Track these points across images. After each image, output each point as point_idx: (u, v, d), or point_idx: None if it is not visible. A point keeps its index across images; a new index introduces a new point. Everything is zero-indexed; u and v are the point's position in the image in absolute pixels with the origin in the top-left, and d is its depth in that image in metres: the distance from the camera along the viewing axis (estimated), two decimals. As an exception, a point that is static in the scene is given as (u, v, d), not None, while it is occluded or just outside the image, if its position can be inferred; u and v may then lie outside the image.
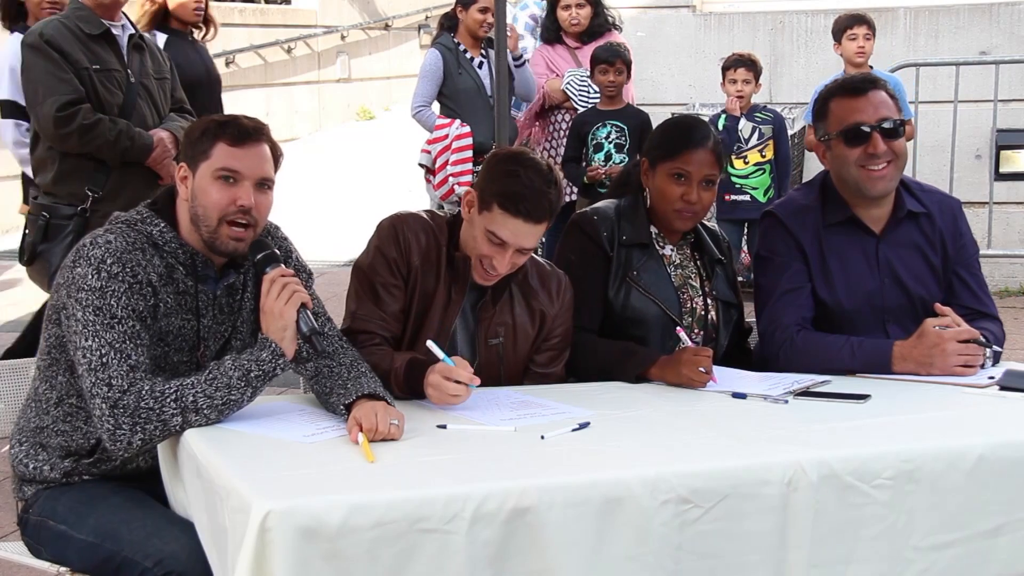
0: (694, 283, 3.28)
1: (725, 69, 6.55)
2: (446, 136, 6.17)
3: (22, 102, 4.73)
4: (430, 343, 2.73)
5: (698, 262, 3.32)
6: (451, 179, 6.14)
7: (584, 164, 6.15)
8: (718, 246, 3.35)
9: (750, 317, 3.41)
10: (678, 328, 3.11)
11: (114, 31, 4.35)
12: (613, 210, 3.26)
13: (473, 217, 2.86)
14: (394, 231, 2.93)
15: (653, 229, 3.26)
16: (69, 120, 4.17)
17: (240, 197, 2.57)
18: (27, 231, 4.36)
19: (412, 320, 2.92)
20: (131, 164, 4.32)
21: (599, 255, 3.20)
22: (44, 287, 4.34)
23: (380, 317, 2.89)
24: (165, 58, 4.63)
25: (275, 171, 2.67)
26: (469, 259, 2.90)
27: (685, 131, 3.19)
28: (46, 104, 4.19)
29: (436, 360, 2.69)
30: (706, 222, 3.36)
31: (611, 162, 6.04)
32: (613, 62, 6.05)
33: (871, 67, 6.34)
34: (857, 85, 3.17)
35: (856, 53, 6.30)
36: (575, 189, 6.18)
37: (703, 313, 3.25)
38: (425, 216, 2.99)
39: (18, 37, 4.94)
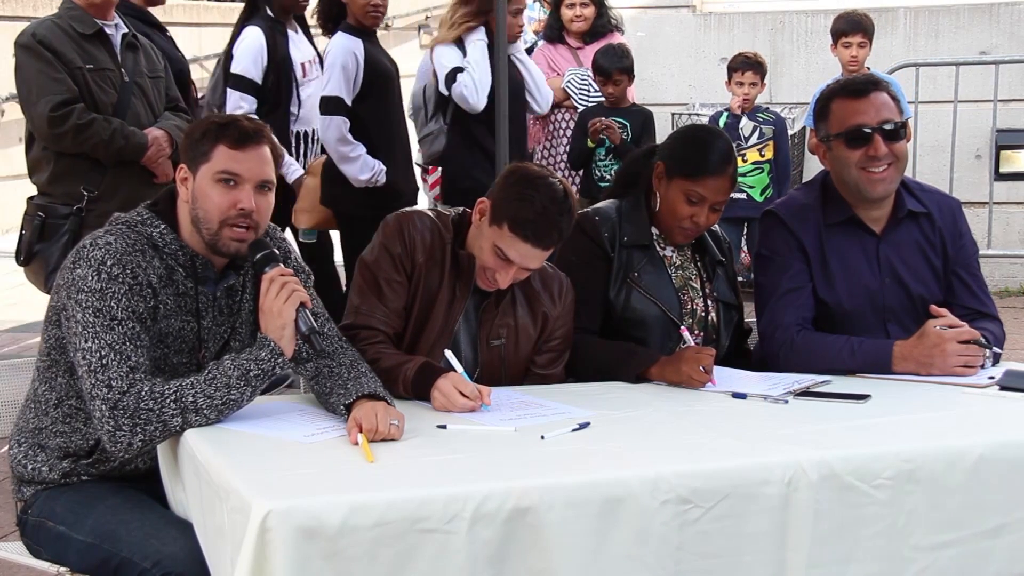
0: (695, 284, 3.27)
1: (732, 70, 6.52)
2: None
3: (348, 100, 4.88)
4: (448, 354, 2.76)
5: (699, 263, 3.31)
6: None
7: (586, 166, 6.13)
8: (719, 247, 3.35)
9: (750, 317, 3.41)
10: (682, 328, 3.11)
11: (107, 30, 4.34)
12: (614, 211, 3.26)
13: (483, 226, 2.86)
14: (400, 228, 2.92)
15: (654, 230, 3.26)
16: (63, 120, 4.17)
17: (241, 200, 2.56)
18: (23, 231, 4.36)
19: (415, 317, 2.91)
20: (126, 163, 4.32)
21: (600, 256, 3.19)
22: (41, 287, 4.33)
23: (383, 312, 2.89)
24: (159, 57, 4.62)
25: (275, 171, 2.67)
26: (474, 257, 2.90)
27: (707, 152, 3.12)
28: (40, 104, 4.18)
29: (451, 370, 2.72)
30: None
31: (611, 157, 6.00)
32: (611, 74, 6.00)
33: (868, 68, 6.34)
34: (859, 87, 3.16)
35: (849, 62, 6.30)
36: (579, 182, 6.16)
37: (704, 314, 3.25)
38: (431, 214, 2.99)
39: (344, 35, 4.97)
